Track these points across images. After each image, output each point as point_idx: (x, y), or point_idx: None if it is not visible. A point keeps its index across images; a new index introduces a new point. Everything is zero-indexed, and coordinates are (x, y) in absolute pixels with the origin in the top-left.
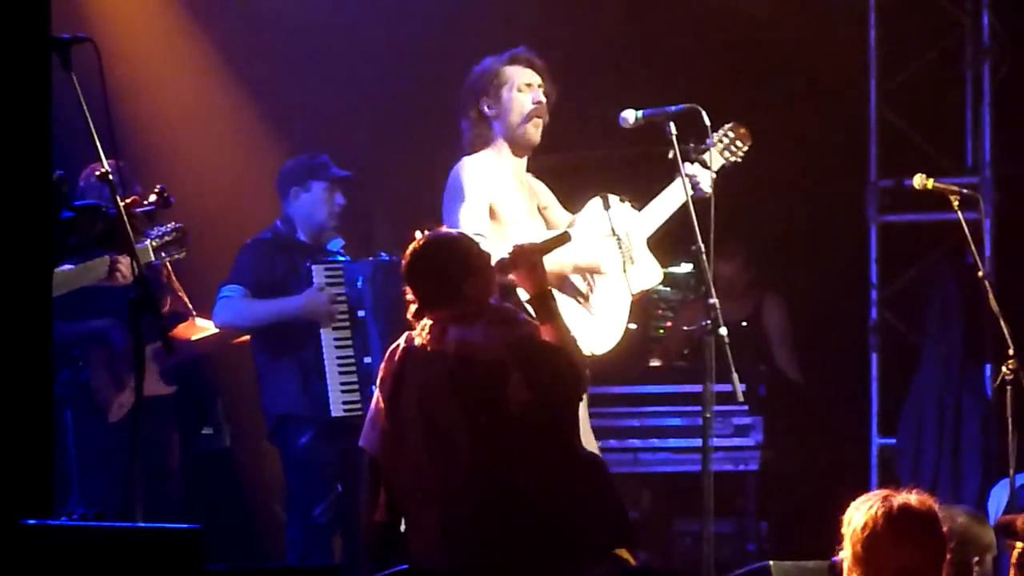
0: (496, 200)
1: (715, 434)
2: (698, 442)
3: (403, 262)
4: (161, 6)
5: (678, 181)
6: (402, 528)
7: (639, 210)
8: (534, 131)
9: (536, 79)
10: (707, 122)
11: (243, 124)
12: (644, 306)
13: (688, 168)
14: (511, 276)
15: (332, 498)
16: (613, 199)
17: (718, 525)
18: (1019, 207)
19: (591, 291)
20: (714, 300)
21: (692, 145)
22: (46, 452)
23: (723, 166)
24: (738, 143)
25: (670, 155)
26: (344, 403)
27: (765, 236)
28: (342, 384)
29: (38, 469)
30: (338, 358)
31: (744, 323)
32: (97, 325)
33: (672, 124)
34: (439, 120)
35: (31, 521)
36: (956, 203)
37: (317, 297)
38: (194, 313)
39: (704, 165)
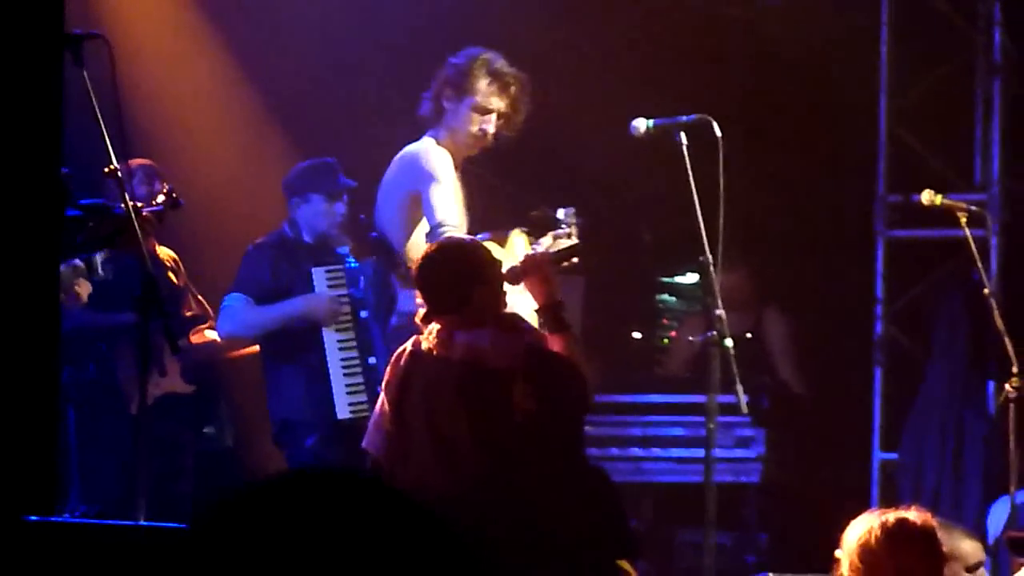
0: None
1: (717, 445)
2: (700, 452)
3: (415, 267)
4: (174, 4)
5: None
6: None
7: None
8: (472, 148)
9: (500, 105)
10: (718, 133)
11: (254, 123)
12: (649, 316)
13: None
14: (522, 285)
15: None
16: (521, 238)
17: (718, 536)
18: None
19: None
20: (720, 311)
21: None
22: (50, 449)
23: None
24: (567, 239)
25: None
26: (351, 404)
27: (772, 249)
28: (348, 386)
29: (42, 465)
30: (342, 360)
31: (749, 335)
32: (125, 318)
33: (683, 134)
34: None
35: (34, 518)
36: (964, 220)
37: (317, 299)
38: (212, 316)
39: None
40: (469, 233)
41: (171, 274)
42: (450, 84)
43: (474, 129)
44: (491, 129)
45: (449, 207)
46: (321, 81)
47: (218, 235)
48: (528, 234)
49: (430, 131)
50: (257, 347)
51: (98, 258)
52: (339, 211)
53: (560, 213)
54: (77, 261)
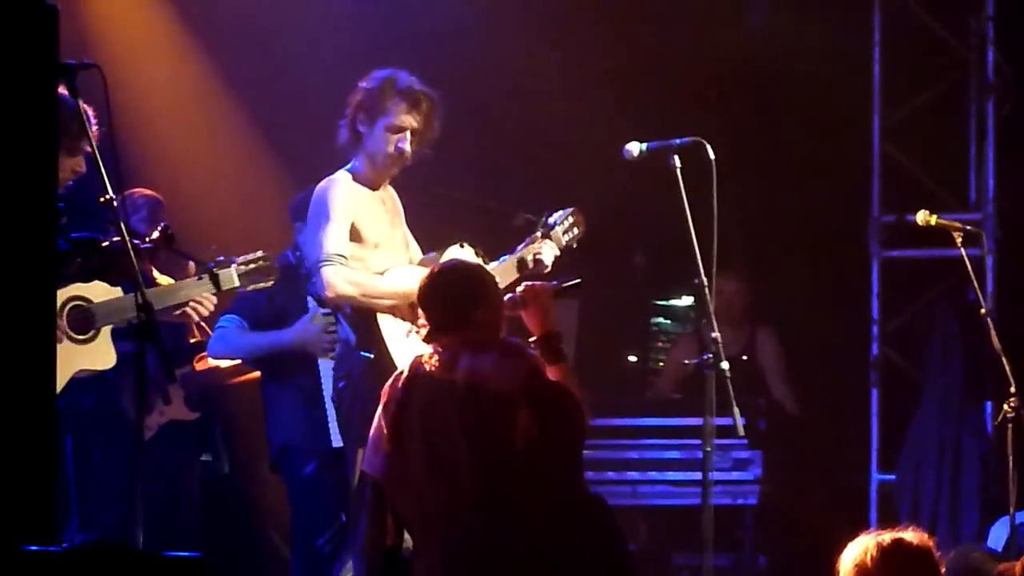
0: (359, 222)
1: (714, 467)
2: (697, 475)
3: (418, 288)
4: (165, 30)
5: (533, 245)
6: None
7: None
8: (392, 169)
9: (413, 123)
10: (711, 155)
11: (247, 144)
12: (644, 339)
13: (535, 244)
14: (520, 313)
15: (336, 528)
16: (469, 250)
17: (716, 559)
18: (1021, 244)
19: None
20: (716, 334)
21: (542, 221)
22: (48, 478)
23: (567, 245)
24: (575, 228)
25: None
26: None
27: (766, 269)
28: None
29: (40, 495)
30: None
31: (745, 357)
32: (129, 347)
33: (676, 157)
34: (449, 139)
35: (33, 547)
36: (959, 239)
37: (309, 328)
38: None
39: (557, 241)
40: (424, 249)
41: None
42: (362, 108)
43: (390, 149)
44: (407, 147)
45: (335, 243)
46: (314, 98)
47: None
48: (472, 247)
49: (351, 160)
50: (259, 373)
51: None
52: None
53: (553, 217)
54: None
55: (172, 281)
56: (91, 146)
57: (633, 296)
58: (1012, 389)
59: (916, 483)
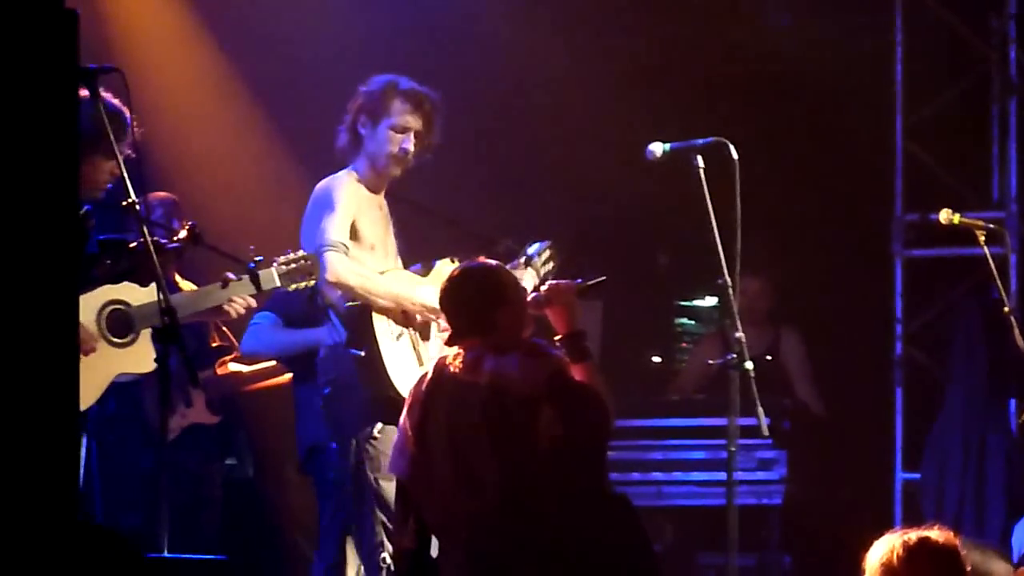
0: (358, 221)
1: (739, 467)
2: (722, 475)
3: (440, 290)
4: (186, 33)
5: (516, 272)
6: (434, 554)
7: None
8: (394, 170)
9: (417, 124)
10: (734, 155)
11: (271, 147)
12: (668, 340)
13: (517, 272)
14: (545, 312)
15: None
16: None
17: (741, 559)
18: None
19: (423, 340)
20: (740, 334)
21: (524, 250)
22: (72, 483)
23: (544, 277)
24: (551, 262)
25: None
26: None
27: (790, 269)
28: None
29: (64, 499)
30: None
31: (768, 357)
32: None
33: (699, 157)
34: (462, 135)
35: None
36: (982, 238)
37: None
38: (237, 347)
39: (536, 271)
40: (405, 263)
41: None
42: (364, 111)
43: (394, 149)
44: (411, 148)
45: (338, 231)
46: (335, 98)
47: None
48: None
49: (351, 163)
50: (283, 378)
51: None
52: None
53: (532, 248)
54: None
55: (194, 286)
56: (131, 148)
57: (657, 297)
58: None
59: (941, 482)
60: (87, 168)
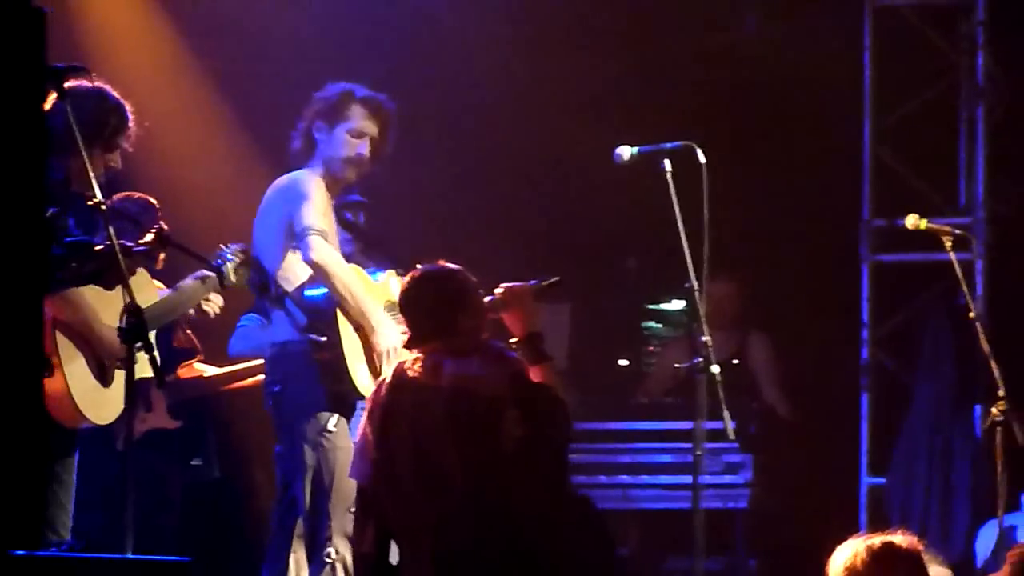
0: (327, 217)
1: (705, 471)
2: (688, 479)
3: (399, 295)
4: (157, 34)
5: None
6: (393, 560)
7: None
8: (350, 174)
9: (373, 130)
10: (702, 159)
11: (237, 142)
12: (635, 343)
13: None
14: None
15: None
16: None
17: (707, 562)
18: (1011, 248)
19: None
20: (707, 338)
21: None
22: (36, 484)
23: None
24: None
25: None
26: None
27: (757, 274)
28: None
29: (28, 500)
30: None
31: (736, 361)
32: None
33: (667, 161)
34: (441, 145)
35: (20, 552)
36: (948, 243)
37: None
38: (200, 349)
39: None
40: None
41: None
42: (321, 115)
43: (351, 154)
44: (366, 153)
45: (318, 217)
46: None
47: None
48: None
49: (305, 166)
50: (248, 381)
51: None
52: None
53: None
54: (205, 272)
55: (162, 286)
56: (128, 143)
57: (625, 300)
58: (1001, 393)
59: (907, 486)
60: (79, 162)
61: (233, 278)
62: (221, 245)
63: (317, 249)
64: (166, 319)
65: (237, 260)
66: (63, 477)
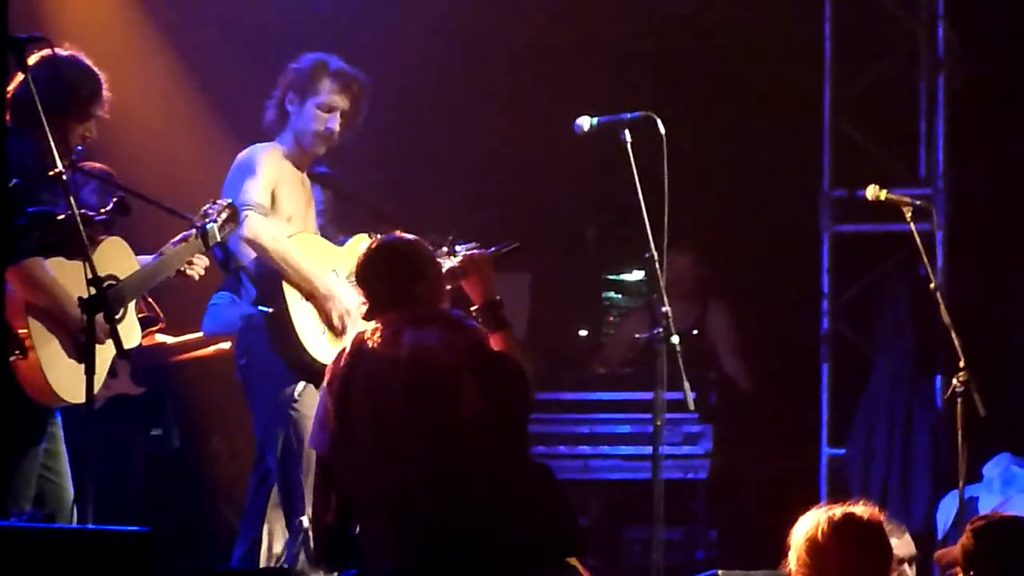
0: (278, 190)
1: (665, 442)
2: (648, 450)
3: (356, 264)
4: (118, 6)
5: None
6: (355, 530)
7: None
8: (319, 148)
9: (344, 104)
10: (662, 130)
11: (202, 120)
12: (595, 313)
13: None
14: (460, 283)
15: None
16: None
17: (667, 532)
18: (971, 219)
19: (344, 327)
20: (667, 308)
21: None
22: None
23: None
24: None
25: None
26: None
27: (717, 244)
28: None
29: None
30: None
31: (696, 331)
32: None
33: (627, 132)
34: (395, 100)
35: None
36: (909, 214)
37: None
38: (162, 318)
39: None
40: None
41: None
42: (293, 87)
43: (320, 128)
44: (336, 127)
45: (258, 195)
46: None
47: (167, 236)
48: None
49: (277, 138)
50: (209, 350)
51: None
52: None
53: (463, 247)
54: (187, 233)
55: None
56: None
57: (585, 271)
58: (961, 363)
59: (867, 457)
60: (59, 131)
61: (219, 236)
62: (208, 203)
63: (249, 225)
64: (148, 286)
65: (224, 216)
66: (52, 449)
